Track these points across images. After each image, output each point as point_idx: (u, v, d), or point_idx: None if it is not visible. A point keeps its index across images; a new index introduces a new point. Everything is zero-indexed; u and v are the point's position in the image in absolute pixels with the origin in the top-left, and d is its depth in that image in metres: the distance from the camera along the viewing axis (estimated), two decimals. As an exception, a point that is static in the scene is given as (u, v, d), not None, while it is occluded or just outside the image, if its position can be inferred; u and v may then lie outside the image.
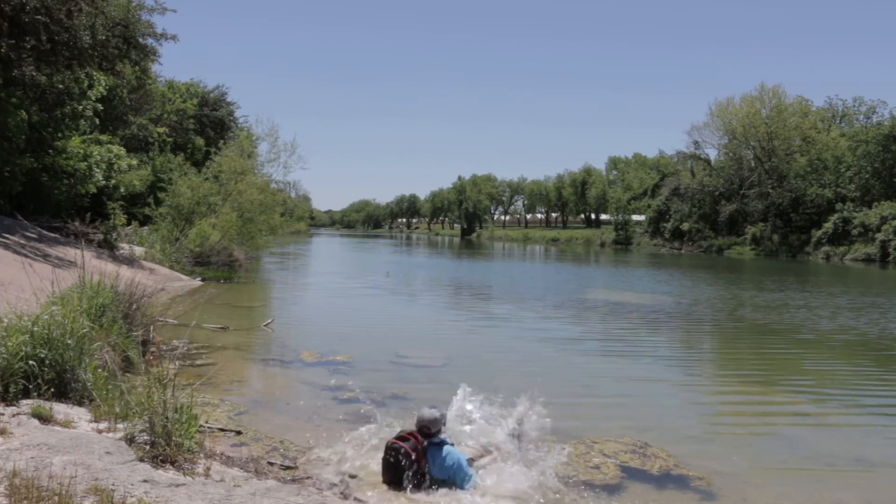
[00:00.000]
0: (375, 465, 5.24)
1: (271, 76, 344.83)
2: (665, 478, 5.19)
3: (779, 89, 65.61)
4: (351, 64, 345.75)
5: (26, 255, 13.41)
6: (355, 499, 4.51)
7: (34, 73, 19.34)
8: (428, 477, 4.86)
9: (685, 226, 69.46)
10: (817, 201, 56.49)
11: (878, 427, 7.11)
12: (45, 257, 14.31)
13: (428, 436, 4.99)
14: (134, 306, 8.26)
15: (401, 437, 4.94)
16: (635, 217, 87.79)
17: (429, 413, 5.06)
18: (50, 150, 20.78)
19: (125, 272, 9.40)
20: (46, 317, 5.37)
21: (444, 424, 5.14)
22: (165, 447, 4.26)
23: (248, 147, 29.10)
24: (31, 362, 5.10)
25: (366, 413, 6.75)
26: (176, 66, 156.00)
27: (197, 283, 18.85)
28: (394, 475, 4.86)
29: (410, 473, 4.78)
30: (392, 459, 4.86)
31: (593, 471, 5.30)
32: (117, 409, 4.92)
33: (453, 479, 4.86)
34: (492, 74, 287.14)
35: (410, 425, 6.33)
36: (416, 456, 4.84)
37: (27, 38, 17.08)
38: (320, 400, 7.22)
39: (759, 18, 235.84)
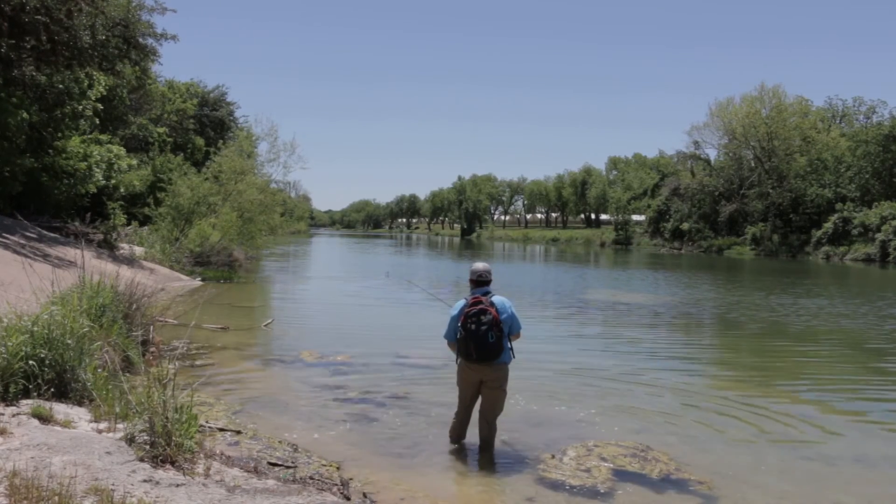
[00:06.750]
0: (374, 464, 5.23)
1: (271, 76, 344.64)
2: (665, 481, 5.18)
3: (779, 89, 65.72)
4: (351, 64, 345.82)
5: (26, 255, 13.40)
6: (363, 494, 4.51)
7: (34, 73, 19.33)
8: (500, 324, 5.47)
9: (685, 226, 69.49)
10: (817, 201, 56.47)
11: (878, 427, 7.11)
12: (45, 257, 14.31)
13: (485, 283, 5.70)
14: (134, 306, 8.27)
15: (473, 304, 5.49)
16: (635, 217, 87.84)
17: (482, 264, 5.82)
18: (50, 150, 20.78)
19: (125, 272, 9.41)
20: (46, 317, 5.37)
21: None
22: (165, 447, 4.26)
23: (247, 147, 29.12)
24: (31, 362, 5.10)
25: (366, 413, 6.76)
26: (176, 66, 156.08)
27: (197, 283, 18.86)
28: (479, 341, 5.40)
29: (493, 332, 5.41)
30: (473, 326, 5.42)
31: (592, 474, 5.29)
32: (117, 409, 4.93)
33: (511, 323, 5.61)
34: (492, 74, 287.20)
35: (411, 425, 6.37)
36: (492, 311, 5.44)
37: (27, 38, 17.08)
38: (320, 400, 7.22)
39: (759, 18, 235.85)
